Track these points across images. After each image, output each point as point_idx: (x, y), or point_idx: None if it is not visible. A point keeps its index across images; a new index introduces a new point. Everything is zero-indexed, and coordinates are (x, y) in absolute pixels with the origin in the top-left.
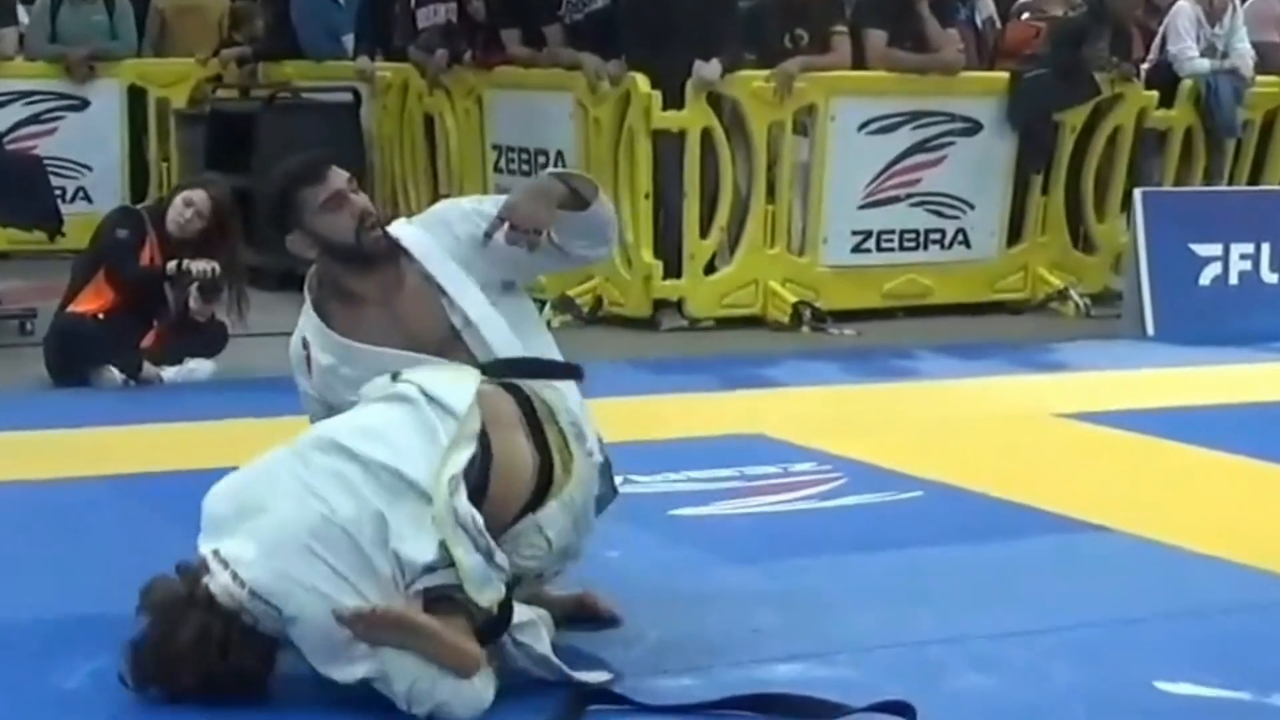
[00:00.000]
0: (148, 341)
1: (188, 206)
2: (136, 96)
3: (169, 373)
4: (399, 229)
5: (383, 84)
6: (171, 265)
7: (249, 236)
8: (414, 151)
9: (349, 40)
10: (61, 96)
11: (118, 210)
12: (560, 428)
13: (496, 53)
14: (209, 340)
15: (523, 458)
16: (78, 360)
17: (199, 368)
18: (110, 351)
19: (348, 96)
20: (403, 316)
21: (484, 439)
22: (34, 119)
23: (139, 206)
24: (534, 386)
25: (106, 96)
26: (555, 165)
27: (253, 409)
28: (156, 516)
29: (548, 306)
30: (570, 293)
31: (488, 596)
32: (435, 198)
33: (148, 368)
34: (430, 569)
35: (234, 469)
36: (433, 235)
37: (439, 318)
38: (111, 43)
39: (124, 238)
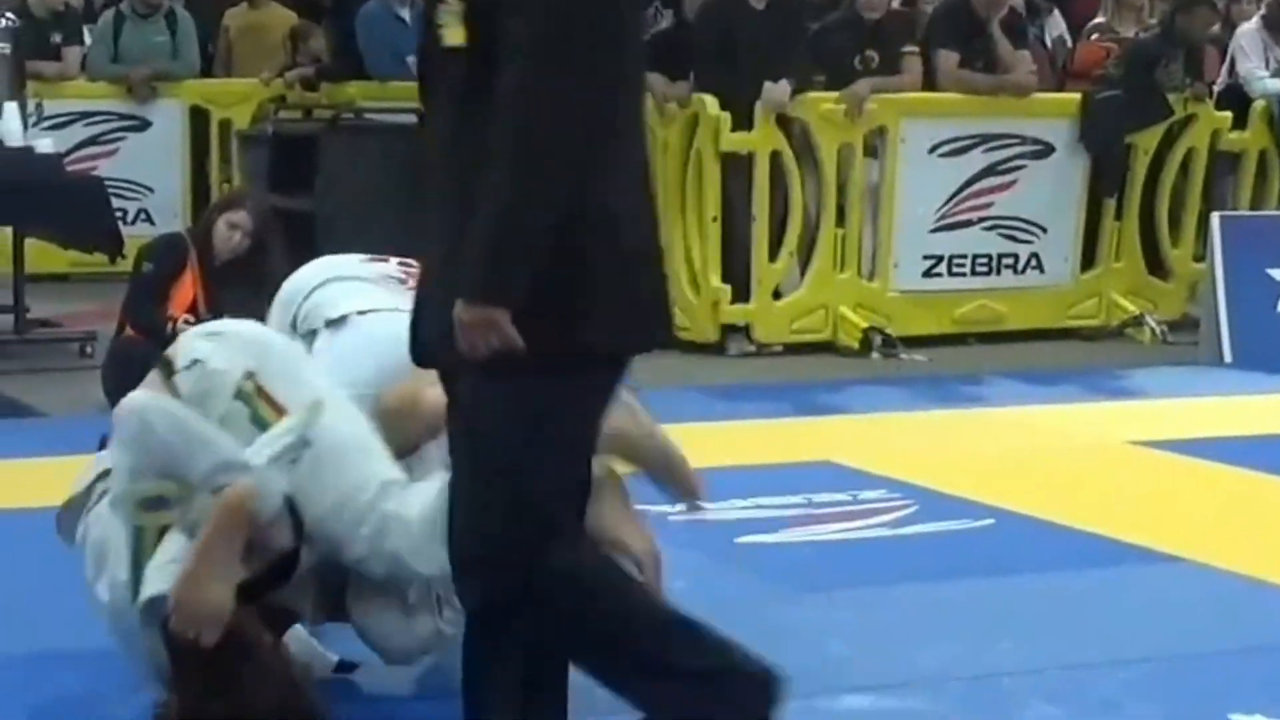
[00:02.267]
0: None
1: (233, 230)
2: (199, 117)
3: None
4: None
5: None
6: (182, 323)
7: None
8: None
9: (414, 61)
10: (123, 117)
11: (159, 239)
12: None
13: None
14: None
15: None
16: (132, 385)
17: None
18: None
19: (411, 118)
20: None
21: None
22: (95, 140)
23: (184, 231)
24: None
25: (168, 117)
26: None
27: None
28: None
29: None
30: None
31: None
32: None
33: None
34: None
35: None
36: None
37: None
38: (173, 63)
39: (148, 274)
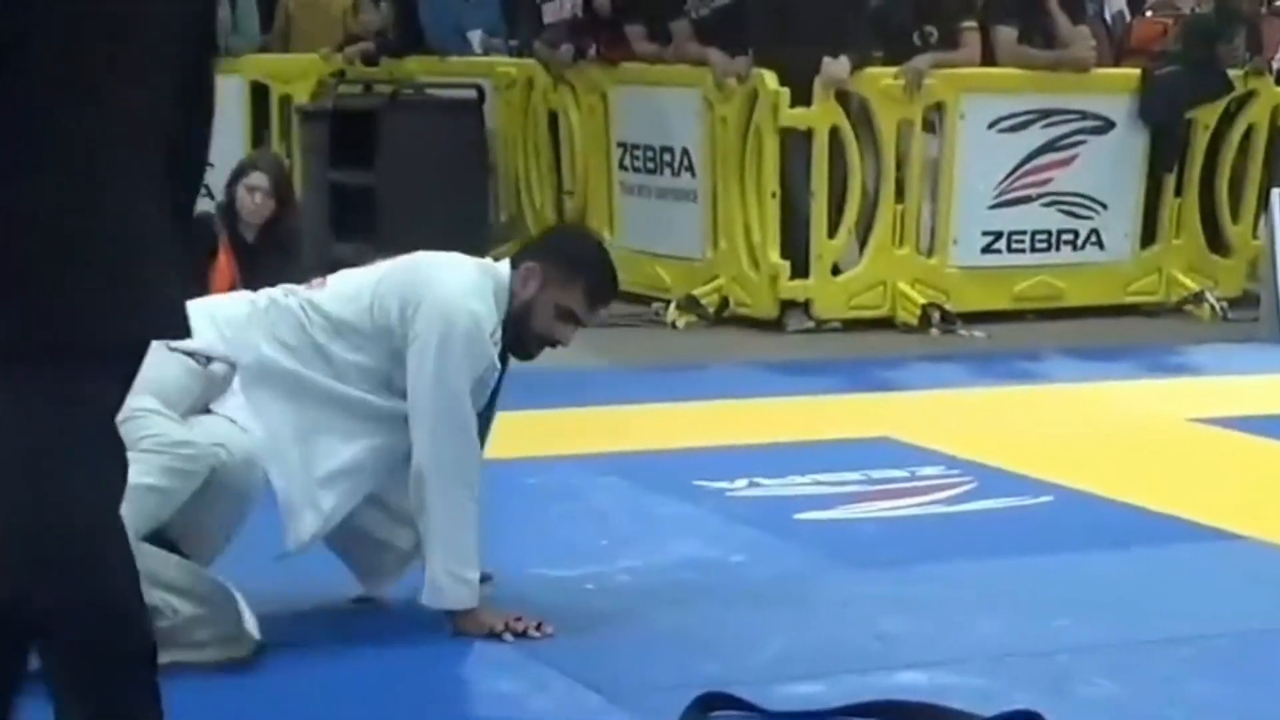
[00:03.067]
0: None
1: (253, 192)
2: (259, 93)
3: None
4: None
5: (506, 80)
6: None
7: (374, 234)
8: (537, 149)
9: (475, 35)
10: None
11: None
12: None
13: (622, 48)
14: None
15: None
16: None
17: None
18: None
19: (471, 93)
20: None
21: None
22: None
23: (210, 211)
24: None
25: (228, 92)
26: (680, 162)
27: None
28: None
29: (672, 306)
30: (695, 293)
31: None
32: (558, 196)
33: None
34: None
35: None
36: None
37: None
38: (233, 37)
39: None
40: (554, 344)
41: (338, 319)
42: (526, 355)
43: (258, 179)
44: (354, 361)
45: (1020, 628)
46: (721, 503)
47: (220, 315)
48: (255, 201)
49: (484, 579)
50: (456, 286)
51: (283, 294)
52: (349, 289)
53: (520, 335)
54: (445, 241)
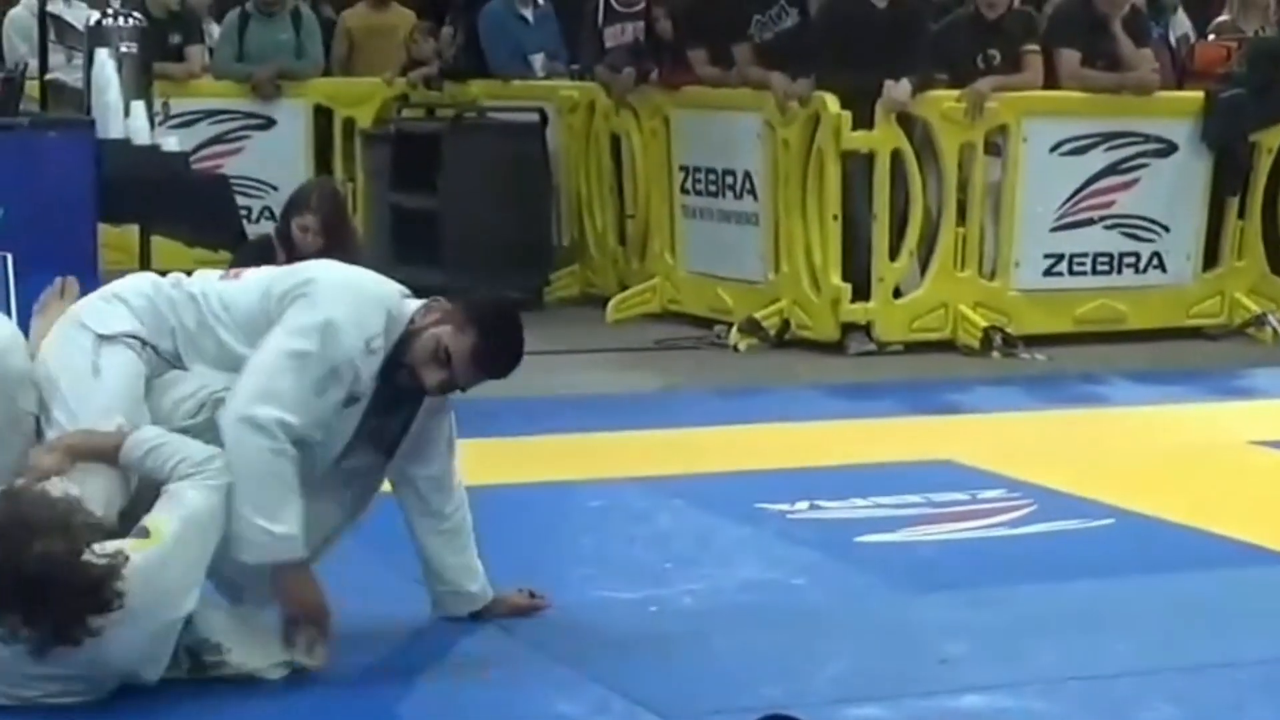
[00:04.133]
0: None
1: (304, 232)
2: (322, 116)
3: None
4: None
5: (569, 103)
6: None
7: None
8: (599, 172)
9: (537, 59)
10: (248, 115)
11: (248, 245)
12: None
13: (684, 72)
14: None
15: None
16: None
17: None
18: None
19: (534, 116)
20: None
21: None
22: (220, 138)
23: (269, 234)
24: None
25: (292, 116)
26: (743, 185)
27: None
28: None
29: (734, 329)
30: (757, 315)
31: None
32: (620, 219)
33: None
34: None
35: None
36: None
37: None
38: (298, 62)
39: None
40: (419, 384)
41: (232, 306)
42: (392, 386)
43: (308, 221)
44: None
45: (1081, 652)
46: (783, 525)
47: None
48: (306, 241)
49: (534, 598)
50: (347, 282)
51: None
52: (253, 283)
53: (394, 360)
54: (507, 265)
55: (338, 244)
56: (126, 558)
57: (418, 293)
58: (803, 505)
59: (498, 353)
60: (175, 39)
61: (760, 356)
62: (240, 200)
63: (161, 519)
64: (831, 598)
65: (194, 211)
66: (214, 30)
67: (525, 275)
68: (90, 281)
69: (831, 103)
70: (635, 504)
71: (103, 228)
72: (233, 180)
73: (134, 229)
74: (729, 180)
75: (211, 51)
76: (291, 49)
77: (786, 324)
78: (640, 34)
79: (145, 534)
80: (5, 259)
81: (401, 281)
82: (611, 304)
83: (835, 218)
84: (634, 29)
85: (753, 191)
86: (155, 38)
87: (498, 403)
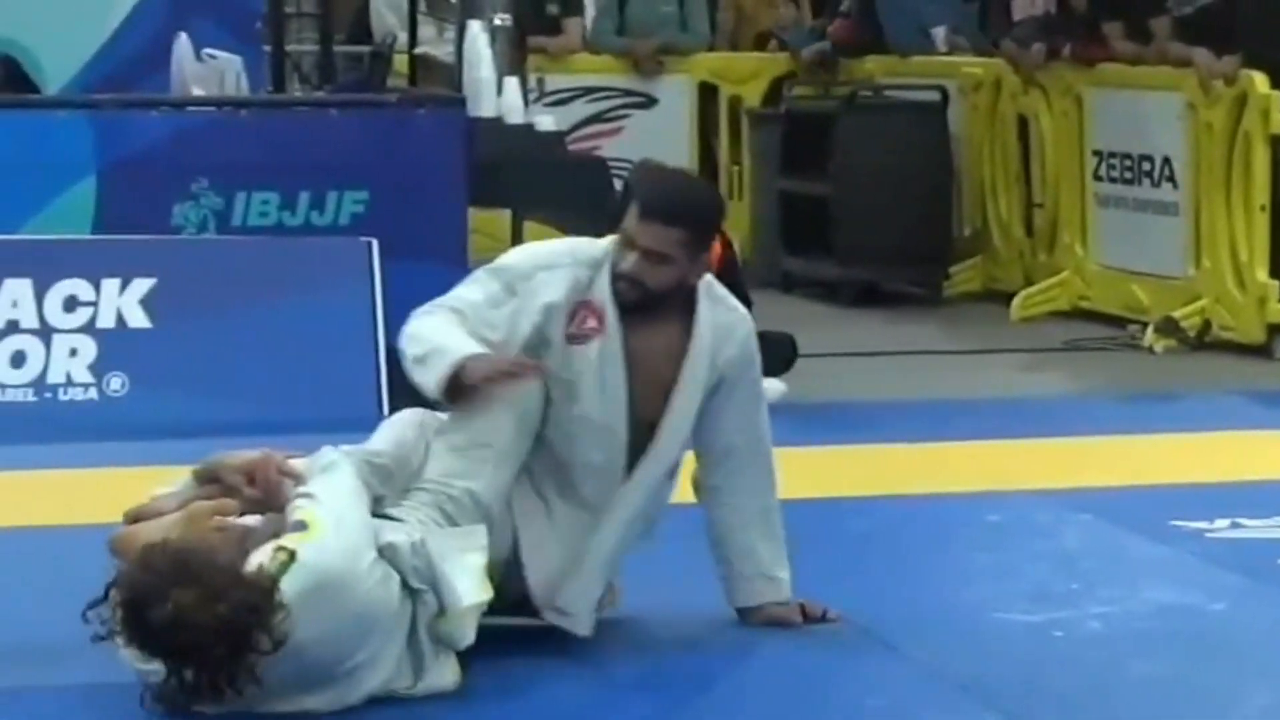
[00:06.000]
0: None
1: None
2: (707, 94)
3: None
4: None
5: (972, 81)
6: None
7: (828, 248)
8: (1005, 155)
9: (938, 33)
10: (628, 93)
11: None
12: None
13: (1098, 48)
14: (777, 358)
15: None
16: None
17: (768, 388)
18: None
19: (934, 95)
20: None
21: None
22: (598, 117)
23: None
24: None
25: (676, 93)
26: (1161, 172)
27: (819, 436)
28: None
29: (1150, 329)
30: (1175, 315)
31: None
32: (1027, 208)
33: None
34: None
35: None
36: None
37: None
38: (682, 35)
39: None
40: (626, 276)
41: None
42: (621, 301)
43: None
44: None
45: None
46: (1200, 545)
47: None
48: None
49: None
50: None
51: None
52: None
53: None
54: (903, 256)
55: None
56: (273, 580)
57: (807, 287)
58: (1223, 523)
59: (652, 195)
60: (552, 10)
61: (1178, 359)
62: (618, 184)
63: (307, 508)
64: (1255, 625)
65: (569, 196)
66: (592, 1)
67: (923, 268)
68: (459, 271)
69: (1260, 82)
70: (1038, 518)
71: (472, 212)
72: (610, 162)
73: (506, 214)
74: (1146, 166)
75: (591, 24)
76: (675, 22)
77: (1208, 324)
78: (1051, 6)
79: (303, 527)
80: (370, 245)
81: (790, 273)
82: (1016, 300)
83: (1263, 208)
84: (1044, 1)
85: (1172, 179)
86: (531, 9)
87: (885, 406)
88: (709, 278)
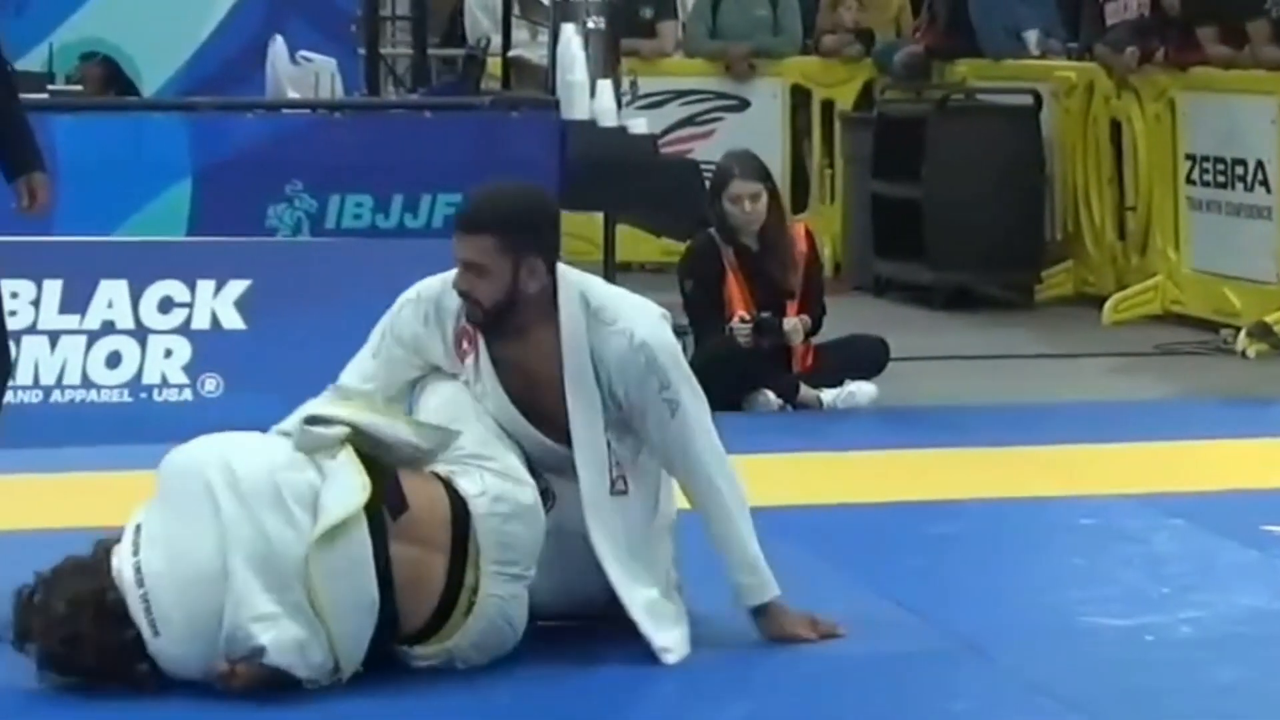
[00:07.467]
0: (804, 362)
1: (736, 203)
2: (799, 97)
3: (828, 396)
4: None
5: (1065, 84)
6: (738, 320)
7: (920, 252)
8: (1098, 159)
9: (1031, 36)
10: (720, 96)
11: (689, 251)
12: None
13: (1192, 51)
14: (869, 361)
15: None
16: (730, 384)
17: (859, 391)
18: (765, 374)
19: (1027, 99)
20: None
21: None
22: (691, 120)
23: (709, 231)
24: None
25: (768, 96)
26: (1254, 176)
27: (910, 440)
28: (808, 553)
29: (1242, 334)
30: (1268, 319)
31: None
32: (1119, 212)
33: (805, 391)
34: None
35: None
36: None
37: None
38: (775, 38)
39: (692, 296)
40: (458, 293)
41: None
42: (471, 320)
43: (744, 188)
44: None
45: None
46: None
47: None
48: (747, 209)
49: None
50: None
51: None
52: None
53: None
54: (995, 260)
55: (778, 207)
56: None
57: (899, 290)
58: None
59: (461, 208)
60: (646, 13)
61: (1271, 364)
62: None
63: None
64: None
65: (661, 199)
66: (687, 4)
67: (1015, 271)
68: None
69: None
70: (1129, 523)
71: (565, 215)
72: (703, 166)
73: (598, 218)
74: (1239, 170)
75: (684, 28)
76: (768, 25)
77: None
78: (1145, 9)
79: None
80: None
81: (881, 277)
82: (1109, 304)
83: None
84: (1138, 3)
85: (1265, 183)
86: (625, 12)
87: (976, 410)
88: (593, 286)
